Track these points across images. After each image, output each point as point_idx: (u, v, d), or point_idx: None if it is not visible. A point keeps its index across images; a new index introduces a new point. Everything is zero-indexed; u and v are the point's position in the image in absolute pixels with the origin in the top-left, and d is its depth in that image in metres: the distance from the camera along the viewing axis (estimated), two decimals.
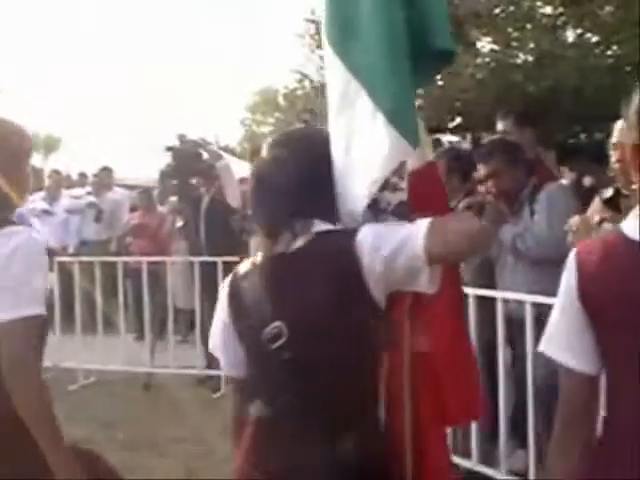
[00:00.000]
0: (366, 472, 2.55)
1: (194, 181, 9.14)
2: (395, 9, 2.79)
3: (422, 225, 2.50)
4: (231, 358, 2.89)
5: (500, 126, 6.33)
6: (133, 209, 12.42)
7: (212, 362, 8.67)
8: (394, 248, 2.50)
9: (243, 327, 2.77)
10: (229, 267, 8.32)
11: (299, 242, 2.63)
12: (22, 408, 2.68)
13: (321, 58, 22.70)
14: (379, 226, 2.68)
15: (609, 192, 4.64)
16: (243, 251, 8.30)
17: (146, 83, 71.94)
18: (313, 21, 20.78)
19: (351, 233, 2.57)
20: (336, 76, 2.93)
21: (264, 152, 2.80)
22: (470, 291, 5.37)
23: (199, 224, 8.92)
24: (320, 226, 2.65)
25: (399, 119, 2.69)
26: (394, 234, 2.54)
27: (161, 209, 11.49)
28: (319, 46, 22.27)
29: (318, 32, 21.12)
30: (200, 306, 8.76)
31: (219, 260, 8.31)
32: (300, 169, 2.69)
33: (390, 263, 2.50)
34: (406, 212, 2.86)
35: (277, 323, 2.60)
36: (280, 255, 2.64)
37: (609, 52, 13.87)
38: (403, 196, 2.93)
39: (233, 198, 8.61)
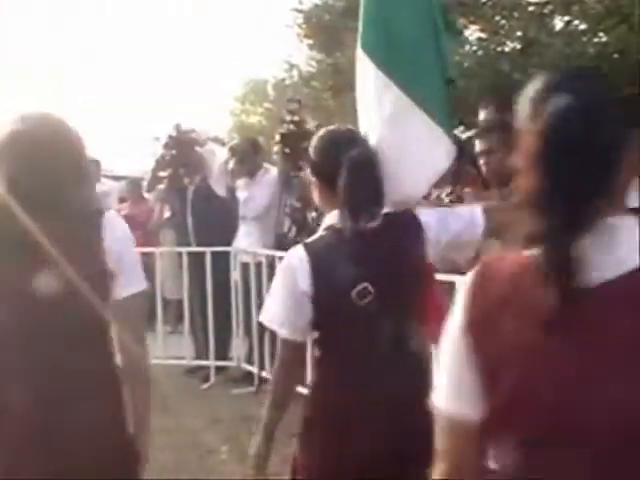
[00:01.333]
0: None
1: (181, 171, 9.15)
2: (438, 31, 3.70)
3: (478, 211, 3.51)
4: (297, 324, 3.27)
5: (482, 115, 6.32)
6: (122, 200, 12.40)
7: (201, 353, 8.70)
8: (459, 228, 3.43)
9: (328, 290, 3.24)
10: (217, 257, 8.37)
11: (377, 221, 3.28)
12: (136, 375, 3.06)
13: (309, 47, 22.72)
14: (438, 210, 3.66)
15: None
16: (230, 240, 8.35)
17: (134, 73, 71.59)
18: (301, 11, 20.74)
19: (410, 214, 3.38)
20: (380, 90, 3.51)
21: (343, 149, 3.29)
22: None
23: (186, 214, 8.92)
24: (383, 210, 3.34)
25: (449, 132, 3.67)
26: (457, 217, 3.50)
27: (149, 198, 11.46)
28: (307, 36, 22.29)
29: (306, 22, 21.08)
30: (189, 296, 8.77)
31: (208, 250, 8.32)
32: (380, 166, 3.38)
33: (455, 238, 3.42)
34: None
35: (364, 284, 3.21)
36: (363, 230, 3.22)
37: (596, 40, 13.87)
38: None
39: (219, 186, 8.63)
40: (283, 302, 3.27)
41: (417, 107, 3.46)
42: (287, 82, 27.40)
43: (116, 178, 14.01)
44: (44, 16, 63.84)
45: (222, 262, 8.33)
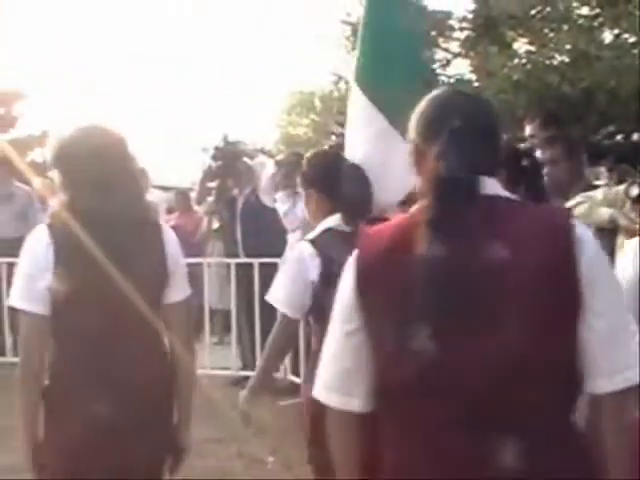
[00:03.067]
0: None
1: (230, 182, 9.19)
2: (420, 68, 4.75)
3: None
4: (298, 306, 3.83)
5: (528, 130, 6.33)
6: (169, 211, 12.47)
7: (248, 363, 8.72)
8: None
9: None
10: (265, 268, 8.38)
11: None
12: (187, 371, 3.45)
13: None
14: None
15: (636, 190, 4.65)
16: (280, 251, 8.35)
17: (181, 84, 72.04)
18: (349, 23, 20.77)
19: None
20: (368, 117, 4.48)
21: None
22: None
23: (235, 225, 8.96)
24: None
25: None
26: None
27: (198, 210, 11.51)
28: (355, 48, 22.31)
29: (354, 34, 21.16)
30: (236, 307, 8.80)
31: (255, 261, 8.35)
32: None
33: None
34: None
35: None
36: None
37: None
38: None
39: (268, 197, 8.65)
40: (291, 287, 3.85)
41: (395, 130, 4.29)
42: (334, 94, 27.42)
43: (164, 188, 14.09)
44: (90, 22, 64.42)
45: (270, 273, 8.34)
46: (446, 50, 20.61)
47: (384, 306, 2.16)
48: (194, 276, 9.34)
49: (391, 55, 4.72)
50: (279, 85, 61.35)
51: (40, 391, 3.12)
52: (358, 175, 4.09)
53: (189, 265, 9.30)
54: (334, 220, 3.93)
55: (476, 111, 2.36)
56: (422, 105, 2.41)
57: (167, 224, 10.49)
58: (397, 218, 2.33)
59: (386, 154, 4.22)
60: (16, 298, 3.10)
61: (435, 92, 2.45)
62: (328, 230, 3.92)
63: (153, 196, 12.52)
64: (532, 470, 2.08)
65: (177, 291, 3.43)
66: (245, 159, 9.22)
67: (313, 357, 3.73)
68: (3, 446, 6.24)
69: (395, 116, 4.40)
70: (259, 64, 74.67)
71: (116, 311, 3.10)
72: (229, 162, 9.14)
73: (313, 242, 3.86)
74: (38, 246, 3.10)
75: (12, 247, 9.63)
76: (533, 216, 2.21)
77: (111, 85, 67.18)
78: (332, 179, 3.96)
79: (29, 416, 3.11)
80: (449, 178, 2.13)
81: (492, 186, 2.24)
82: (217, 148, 9.20)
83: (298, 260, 3.86)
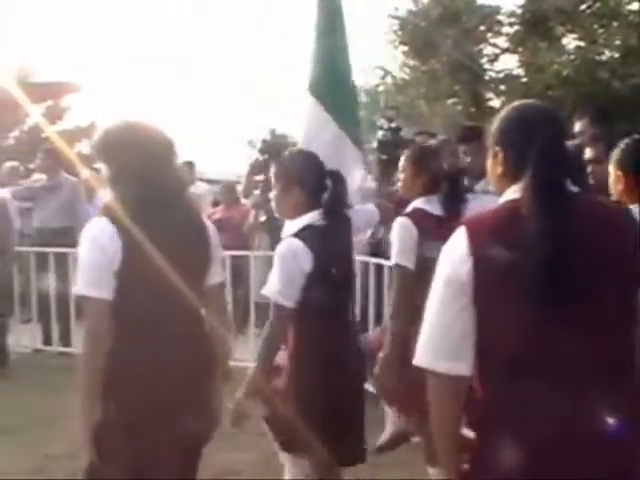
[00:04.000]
0: None
1: None
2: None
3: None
4: (293, 295, 4.10)
5: (577, 127, 6.24)
6: (215, 203, 12.50)
7: None
8: None
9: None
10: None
11: None
12: (224, 349, 3.73)
13: (403, 54, 22.74)
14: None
15: None
16: None
17: (227, 76, 72.14)
18: (397, 17, 20.72)
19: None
20: (318, 119, 5.62)
21: None
22: None
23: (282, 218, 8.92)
24: None
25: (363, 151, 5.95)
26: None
27: (245, 203, 11.51)
28: (403, 42, 22.34)
29: (401, 28, 21.12)
30: None
31: None
32: None
33: None
34: None
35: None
36: None
37: None
38: None
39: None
40: (290, 281, 4.06)
41: (346, 135, 5.53)
42: (380, 89, 27.32)
43: (210, 181, 14.12)
44: (140, 16, 64.81)
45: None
46: (494, 45, 20.48)
47: (499, 283, 2.47)
48: (240, 268, 9.38)
49: (339, 68, 5.69)
50: None
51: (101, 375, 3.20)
52: (336, 173, 4.41)
53: (235, 257, 9.38)
54: (313, 216, 4.21)
55: (557, 119, 2.72)
56: (509, 115, 2.75)
57: (213, 217, 10.64)
58: (494, 208, 2.66)
59: (341, 156, 4.95)
60: (84, 286, 3.20)
61: (517, 104, 2.78)
62: (309, 226, 4.18)
63: (199, 189, 12.60)
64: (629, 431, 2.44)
65: (217, 274, 3.70)
66: None
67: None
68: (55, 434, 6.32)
69: (344, 122, 5.50)
70: (304, 57, 74.51)
71: (172, 296, 3.25)
72: (276, 155, 9.12)
73: (301, 238, 4.10)
74: (103, 235, 3.20)
75: (58, 237, 9.82)
76: (606, 209, 2.68)
77: (155, 78, 67.42)
78: (316, 178, 4.31)
79: (91, 399, 3.17)
80: (548, 179, 2.52)
81: (569, 184, 2.61)
82: (264, 142, 9.21)
83: (294, 255, 4.07)
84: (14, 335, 9.73)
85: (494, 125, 2.86)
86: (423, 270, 4.34)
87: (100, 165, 3.45)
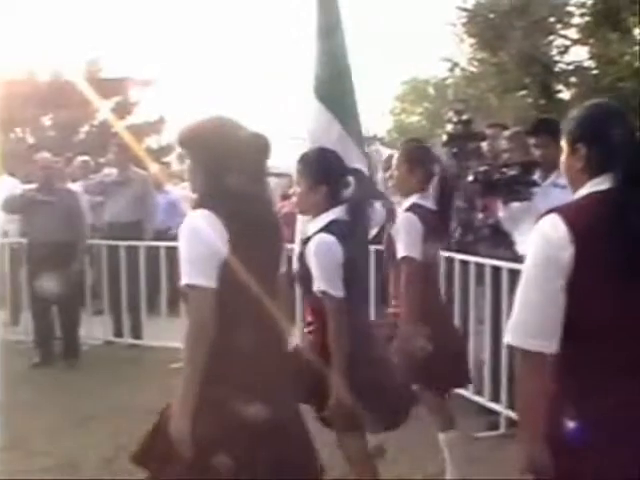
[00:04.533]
0: None
1: None
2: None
3: None
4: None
5: None
6: (284, 197, 12.50)
7: None
8: None
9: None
10: (377, 256, 8.32)
11: None
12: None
13: (472, 46, 22.58)
14: None
15: None
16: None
17: (295, 70, 72.15)
18: (465, 9, 20.59)
19: None
20: (323, 120, 5.82)
21: None
22: None
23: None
24: None
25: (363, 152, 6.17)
26: None
27: None
28: (472, 35, 22.18)
29: (470, 20, 20.98)
30: None
31: (371, 248, 8.27)
32: None
33: None
34: None
35: None
36: None
37: None
38: None
39: (383, 184, 8.59)
40: (333, 273, 4.24)
41: (348, 136, 5.78)
42: (448, 81, 27.19)
43: (278, 175, 14.12)
44: (209, 12, 65.18)
45: (381, 261, 8.28)
46: (564, 37, 20.27)
47: (597, 266, 2.68)
48: None
49: (340, 68, 5.93)
50: (392, 72, 61.01)
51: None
52: (358, 171, 4.86)
53: None
54: (338, 212, 4.38)
55: (627, 117, 2.96)
56: (590, 112, 2.98)
57: (282, 210, 10.65)
58: (581, 199, 2.87)
59: (346, 157, 4.88)
60: (191, 275, 3.26)
61: (596, 101, 3.04)
62: (335, 221, 4.35)
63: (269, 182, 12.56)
64: None
65: (283, 264, 3.75)
66: None
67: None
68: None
69: (347, 123, 5.74)
70: (371, 51, 74.42)
71: (264, 287, 3.35)
72: None
73: (331, 232, 4.28)
74: (210, 228, 3.28)
75: (128, 230, 9.93)
76: None
77: (221, 73, 67.75)
78: (341, 175, 4.53)
79: (194, 387, 3.22)
80: (633, 172, 2.75)
81: None
82: None
83: (329, 249, 4.24)
84: (85, 327, 9.83)
85: (573, 122, 3.02)
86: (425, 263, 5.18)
87: (187, 158, 3.57)
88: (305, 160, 4.60)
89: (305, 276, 4.36)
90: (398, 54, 71.05)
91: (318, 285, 4.26)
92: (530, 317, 2.79)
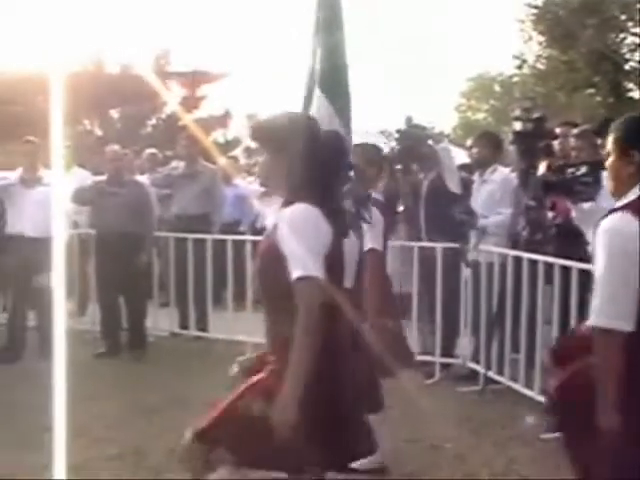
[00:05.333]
0: None
1: (414, 166, 9.10)
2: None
3: None
4: None
5: None
6: None
7: (427, 348, 8.64)
8: None
9: None
10: (448, 253, 8.29)
11: None
12: None
13: (540, 44, 22.37)
14: None
15: None
16: (461, 238, 8.22)
17: (365, 64, 71.93)
18: (535, 6, 20.43)
19: None
20: (326, 113, 5.74)
21: None
22: None
23: (419, 209, 8.85)
24: None
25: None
26: None
27: None
28: (541, 32, 21.98)
29: (539, 18, 20.78)
30: (418, 291, 8.71)
31: (438, 246, 8.25)
32: None
33: None
34: None
35: None
36: None
37: None
38: None
39: (453, 183, 8.52)
40: None
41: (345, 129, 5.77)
42: (515, 79, 26.99)
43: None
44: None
45: (453, 259, 8.24)
46: (635, 34, 20.02)
47: None
48: None
49: (339, 63, 6.03)
50: (458, 69, 60.67)
51: None
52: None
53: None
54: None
55: None
56: None
57: None
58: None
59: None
60: (305, 267, 3.34)
61: None
62: None
63: None
64: None
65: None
66: (430, 143, 9.12)
67: None
68: None
69: (343, 117, 5.85)
70: (437, 47, 74.04)
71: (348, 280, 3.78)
72: (412, 145, 9.04)
73: None
74: (322, 223, 3.43)
75: (196, 223, 10.00)
76: None
77: (288, 66, 67.82)
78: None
79: (304, 378, 3.32)
80: None
81: None
82: (400, 131, 9.12)
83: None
84: (152, 318, 9.95)
85: (627, 128, 3.42)
86: None
87: (269, 153, 3.62)
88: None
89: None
90: (464, 50, 70.53)
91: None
92: (612, 301, 3.31)
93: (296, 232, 3.38)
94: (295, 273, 3.33)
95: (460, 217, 8.20)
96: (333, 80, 6.04)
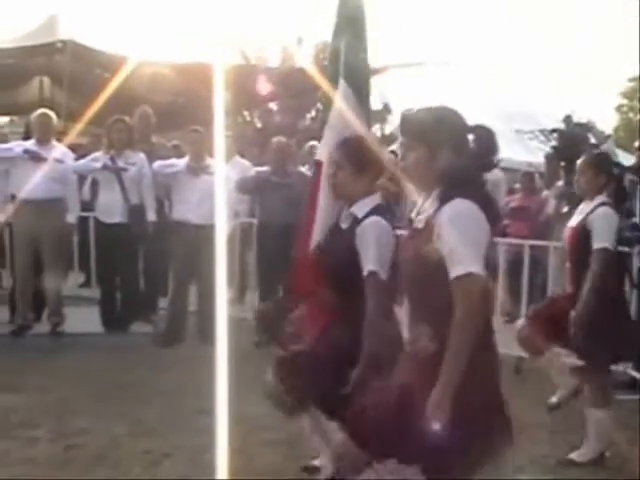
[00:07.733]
0: None
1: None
2: None
3: None
4: None
5: None
6: (510, 191, 12.44)
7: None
8: None
9: None
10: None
11: None
12: None
13: None
14: None
15: None
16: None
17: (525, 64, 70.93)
18: None
19: None
20: (351, 103, 5.74)
21: None
22: None
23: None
24: None
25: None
26: None
27: (548, 193, 11.30)
28: None
29: None
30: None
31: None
32: None
33: None
34: None
35: None
36: None
37: None
38: None
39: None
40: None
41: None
42: None
43: (504, 169, 14.02)
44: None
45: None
46: None
47: None
48: (539, 259, 9.27)
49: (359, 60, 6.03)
50: (618, 68, 59.18)
51: None
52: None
53: (533, 247, 9.32)
54: (378, 197, 4.85)
55: None
56: None
57: (510, 204, 10.58)
58: None
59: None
60: (473, 263, 3.37)
61: None
62: (380, 205, 4.81)
63: (495, 175, 12.48)
64: None
65: None
66: (593, 142, 8.95)
67: None
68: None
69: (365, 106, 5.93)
70: (597, 46, 72.43)
71: None
72: (576, 144, 8.90)
73: (384, 217, 4.70)
74: (482, 218, 3.45)
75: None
76: None
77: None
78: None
79: (460, 373, 3.34)
80: None
81: None
82: (561, 131, 9.00)
83: (390, 231, 4.68)
84: None
85: None
86: None
87: (421, 147, 3.60)
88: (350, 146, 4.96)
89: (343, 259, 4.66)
90: (624, 50, 68.80)
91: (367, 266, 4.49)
92: None
93: (462, 229, 3.38)
94: (460, 270, 3.33)
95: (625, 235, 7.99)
96: (357, 73, 6.06)
